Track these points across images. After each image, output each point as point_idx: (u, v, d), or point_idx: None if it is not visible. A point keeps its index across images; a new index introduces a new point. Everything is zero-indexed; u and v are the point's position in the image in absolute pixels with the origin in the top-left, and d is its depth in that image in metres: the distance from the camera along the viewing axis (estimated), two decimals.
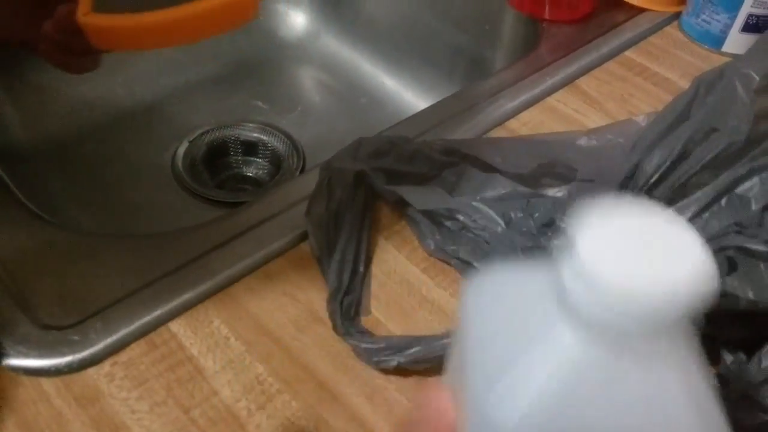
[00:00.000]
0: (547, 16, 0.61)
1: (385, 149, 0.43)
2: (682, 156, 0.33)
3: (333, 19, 0.84)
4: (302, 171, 0.72)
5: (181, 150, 0.72)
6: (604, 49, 0.58)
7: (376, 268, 0.41)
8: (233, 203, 0.68)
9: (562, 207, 0.38)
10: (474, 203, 0.40)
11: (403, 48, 0.77)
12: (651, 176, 0.33)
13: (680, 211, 0.30)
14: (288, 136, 0.75)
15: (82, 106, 0.72)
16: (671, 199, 0.32)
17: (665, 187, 0.33)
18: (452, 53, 0.72)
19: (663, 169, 0.33)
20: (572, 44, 0.58)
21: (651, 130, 0.36)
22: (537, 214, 0.38)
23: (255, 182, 0.74)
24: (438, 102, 0.52)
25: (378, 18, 0.79)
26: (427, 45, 0.74)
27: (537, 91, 0.53)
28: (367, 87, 0.79)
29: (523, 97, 0.52)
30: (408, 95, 0.77)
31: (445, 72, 0.74)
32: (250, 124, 0.76)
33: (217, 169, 0.74)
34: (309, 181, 0.43)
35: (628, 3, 0.63)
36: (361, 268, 0.40)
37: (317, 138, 0.75)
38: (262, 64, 0.82)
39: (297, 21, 0.85)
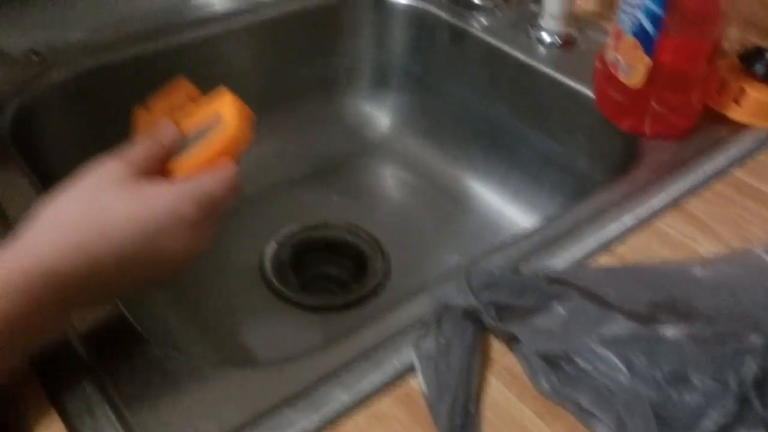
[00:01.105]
0: (647, 131, 0.60)
1: (494, 281, 0.42)
2: None
3: (417, 119, 0.85)
4: (387, 273, 0.71)
5: (269, 250, 0.73)
6: (709, 168, 0.56)
7: (486, 409, 0.39)
8: (320, 307, 0.68)
9: (689, 356, 0.36)
10: (592, 345, 0.38)
11: (489, 151, 0.77)
12: None
13: None
14: (372, 237, 0.74)
15: None
16: None
17: None
18: (542, 161, 0.72)
19: None
20: (675, 162, 0.57)
21: None
22: (663, 363, 0.36)
23: (340, 282, 0.74)
24: (540, 225, 0.51)
25: (463, 121, 0.80)
26: (515, 150, 0.74)
27: (642, 212, 0.51)
28: (452, 189, 0.79)
29: (628, 219, 0.51)
30: (494, 200, 0.77)
31: (533, 179, 0.73)
32: (335, 223, 0.76)
33: (303, 268, 0.74)
34: (413, 309, 0.43)
35: (730, 118, 0.61)
36: (472, 409, 0.38)
37: (401, 239, 0.75)
38: (347, 163, 0.83)
39: (382, 122, 0.86)
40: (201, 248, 0.40)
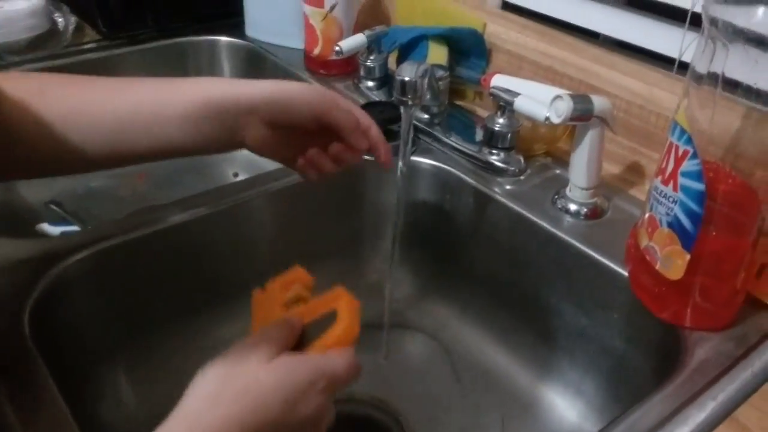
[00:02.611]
0: (687, 323, 0.58)
1: None
2: None
3: (442, 282, 0.83)
4: None
5: None
6: (758, 366, 0.54)
7: None
8: None
9: None
10: None
11: (518, 321, 0.75)
12: None
13: None
14: (398, 414, 0.71)
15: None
16: None
17: None
18: (575, 336, 0.69)
19: None
20: (720, 359, 0.54)
21: None
22: None
23: None
24: None
25: (490, 286, 0.78)
26: (546, 322, 0.72)
27: (693, 427, 0.49)
28: (479, 361, 0.77)
29: None
30: (525, 374, 0.74)
31: (566, 354, 0.71)
32: (360, 397, 0.73)
33: None
34: None
35: None
36: None
37: (428, 416, 0.71)
38: (369, 325, 0.81)
39: (405, 282, 0.84)
40: (325, 424, 0.45)
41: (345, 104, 0.57)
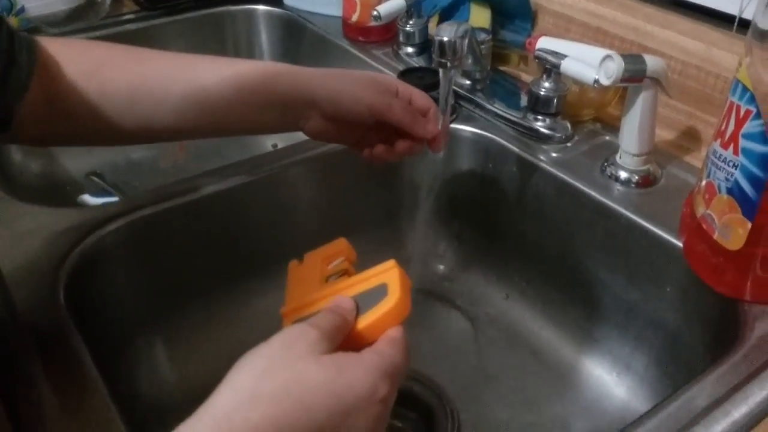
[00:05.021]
0: (748, 296, 0.54)
1: None
2: None
3: (485, 254, 0.80)
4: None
5: None
6: None
7: None
8: None
9: None
10: None
11: (565, 295, 0.72)
12: None
13: None
14: (438, 388, 0.69)
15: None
16: None
17: None
18: (626, 310, 0.66)
19: None
20: None
21: None
22: None
23: None
24: (644, 416, 0.45)
25: (536, 258, 0.75)
26: (595, 295, 0.69)
27: (752, 406, 0.45)
28: (523, 335, 0.74)
29: (738, 416, 0.45)
30: (571, 349, 0.71)
31: (616, 328, 0.67)
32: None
33: None
34: None
35: None
36: None
37: (470, 390, 0.69)
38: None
39: (446, 254, 0.82)
40: (383, 426, 0.37)
41: (404, 92, 0.58)
